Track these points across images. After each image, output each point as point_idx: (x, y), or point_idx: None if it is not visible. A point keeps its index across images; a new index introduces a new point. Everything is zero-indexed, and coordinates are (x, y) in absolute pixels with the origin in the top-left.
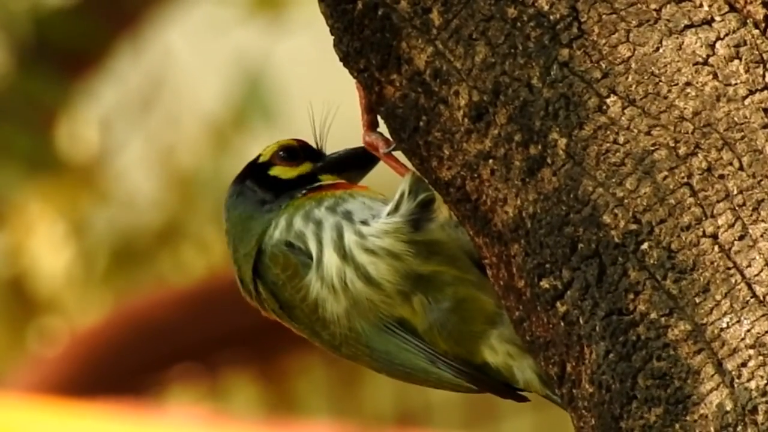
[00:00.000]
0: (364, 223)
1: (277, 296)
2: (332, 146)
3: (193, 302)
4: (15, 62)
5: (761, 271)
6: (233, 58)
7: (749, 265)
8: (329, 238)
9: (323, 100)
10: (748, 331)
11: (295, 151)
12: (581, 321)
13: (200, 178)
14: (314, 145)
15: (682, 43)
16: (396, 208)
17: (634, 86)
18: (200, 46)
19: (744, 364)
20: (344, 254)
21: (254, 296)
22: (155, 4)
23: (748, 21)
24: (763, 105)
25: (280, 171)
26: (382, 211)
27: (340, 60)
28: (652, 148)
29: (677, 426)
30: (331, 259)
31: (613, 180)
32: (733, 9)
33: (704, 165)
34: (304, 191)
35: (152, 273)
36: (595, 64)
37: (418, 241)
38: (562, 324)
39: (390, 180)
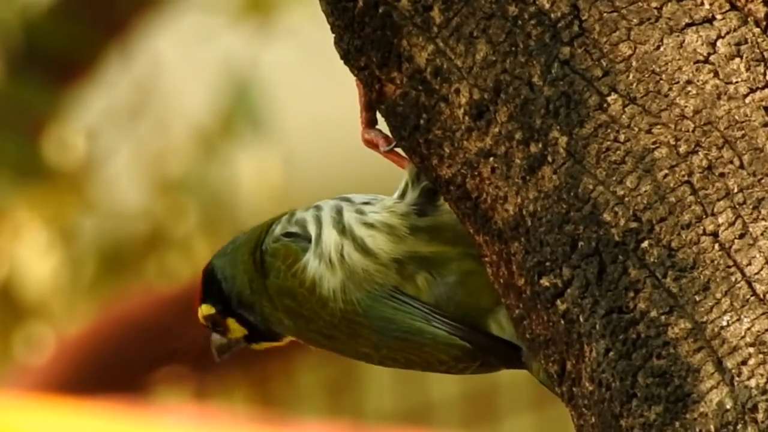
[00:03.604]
0: (365, 203)
1: (284, 289)
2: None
3: (180, 305)
4: (3, 69)
5: (761, 269)
6: (221, 65)
7: (749, 264)
8: (329, 217)
9: (311, 105)
10: (748, 329)
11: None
12: (581, 319)
13: (188, 185)
14: None
15: (683, 41)
16: (402, 197)
17: (634, 84)
18: (188, 53)
19: (744, 362)
20: (343, 229)
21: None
22: (144, 12)
23: (749, 19)
24: (763, 103)
25: None
26: (385, 199)
27: (341, 58)
28: (653, 147)
29: (677, 424)
30: (330, 236)
31: (614, 178)
32: (734, 7)
33: (705, 163)
34: None
35: (139, 280)
36: (596, 63)
37: (423, 227)
38: (562, 322)
39: (390, 177)
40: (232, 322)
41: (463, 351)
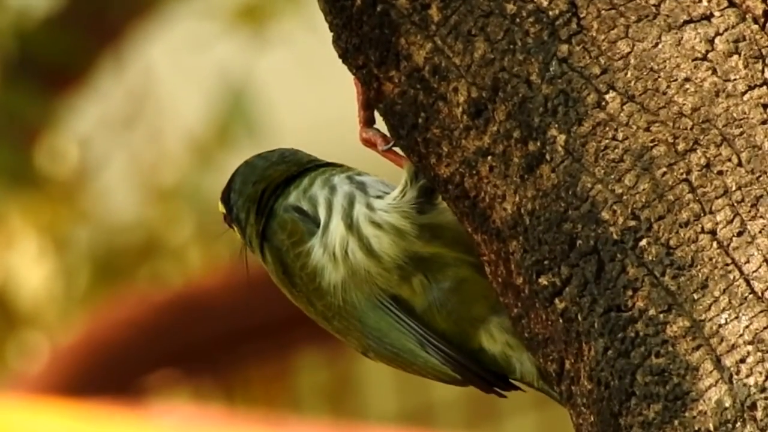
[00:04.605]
0: (377, 197)
1: (282, 261)
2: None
3: (174, 309)
4: None
5: (759, 267)
6: (215, 73)
7: (747, 262)
8: (339, 206)
9: (306, 111)
10: (747, 327)
11: None
12: (580, 318)
13: (183, 194)
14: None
15: (681, 38)
16: (402, 195)
17: (633, 82)
18: (182, 61)
19: (742, 360)
20: (351, 224)
21: (258, 255)
22: (137, 20)
23: (747, 16)
24: (762, 101)
25: None
26: (393, 192)
27: (339, 56)
28: (651, 144)
29: (676, 422)
30: (337, 228)
31: (612, 176)
32: (732, 4)
33: (703, 161)
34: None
35: (133, 289)
36: (594, 60)
37: (423, 225)
38: (561, 321)
39: (389, 173)
40: (236, 227)
41: (451, 378)
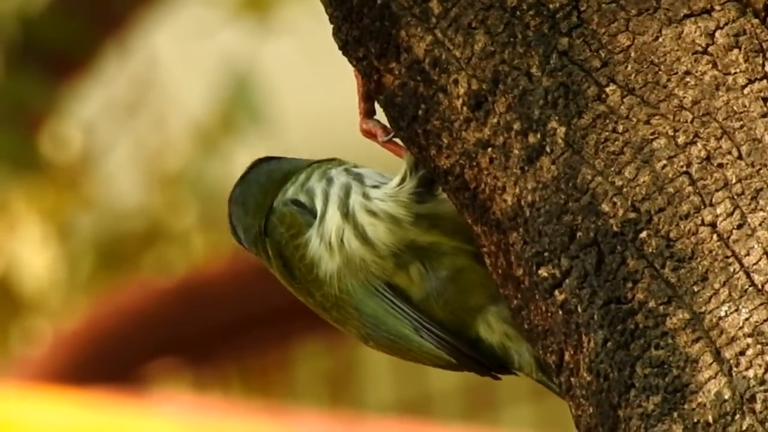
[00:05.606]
0: (373, 186)
1: (281, 255)
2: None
3: (176, 298)
4: (1, 64)
5: (759, 259)
6: (220, 60)
7: (748, 254)
8: (336, 196)
9: (309, 99)
10: (747, 319)
11: None
12: (579, 309)
13: (186, 181)
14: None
15: (682, 32)
16: (401, 185)
17: (633, 75)
18: (187, 48)
19: (742, 353)
20: (346, 213)
21: (261, 254)
22: (142, 7)
23: (747, 10)
24: (762, 94)
25: None
26: (391, 181)
27: (339, 48)
28: (651, 137)
29: (675, 414)
30: (333, 217)
31: (612, 169)
32: None
33: (703, 154)
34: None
35: (136, 275)
36: (595, 53)
37: (421, 214)
38: (561, 312)
39: (388, 168)
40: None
41: (447, 363)
